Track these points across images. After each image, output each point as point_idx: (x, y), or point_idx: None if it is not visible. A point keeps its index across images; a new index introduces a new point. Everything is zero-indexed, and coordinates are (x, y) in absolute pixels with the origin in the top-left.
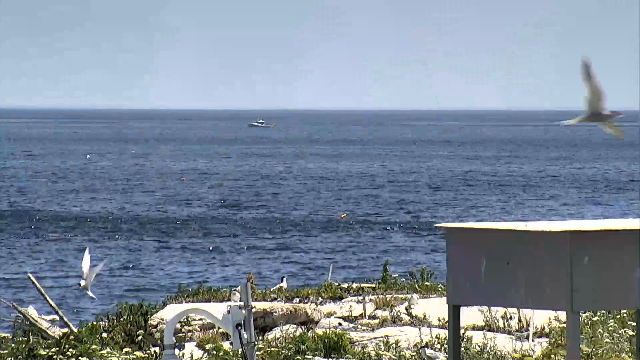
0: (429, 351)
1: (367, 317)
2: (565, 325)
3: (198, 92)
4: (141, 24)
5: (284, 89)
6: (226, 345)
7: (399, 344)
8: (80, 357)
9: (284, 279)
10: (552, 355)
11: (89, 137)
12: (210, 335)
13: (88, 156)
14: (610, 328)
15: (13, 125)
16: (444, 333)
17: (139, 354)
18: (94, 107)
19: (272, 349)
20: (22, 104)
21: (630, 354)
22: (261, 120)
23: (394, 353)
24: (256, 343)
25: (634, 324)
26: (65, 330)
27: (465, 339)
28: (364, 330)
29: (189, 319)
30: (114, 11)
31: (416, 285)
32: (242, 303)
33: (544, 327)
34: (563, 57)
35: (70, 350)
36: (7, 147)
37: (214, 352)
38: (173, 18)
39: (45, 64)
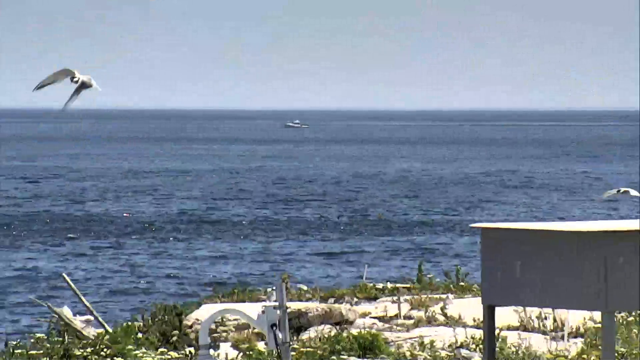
0: (464, 351)
1: (402, 317)
2: (600, 325)
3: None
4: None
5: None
6: (261, 345)
7: (434, 344)
8: (115, 358)
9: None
10: (587, 356)
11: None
12: (245, 336)
13: None
14: None
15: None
16: (479, 333)
17: (173, 354)
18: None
19: (307, 349)
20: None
21: None
22: (297, 121)
23: (429, 353)
24: (291, 343)
25: None
26: (100, 330)
27: (500, 339)
28: (398, 330)
29: (224, 320)
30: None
31: (451, 286)
32: (277, 303)
33: (579, 328)
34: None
35: (105, 350)
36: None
37: (249, 353)
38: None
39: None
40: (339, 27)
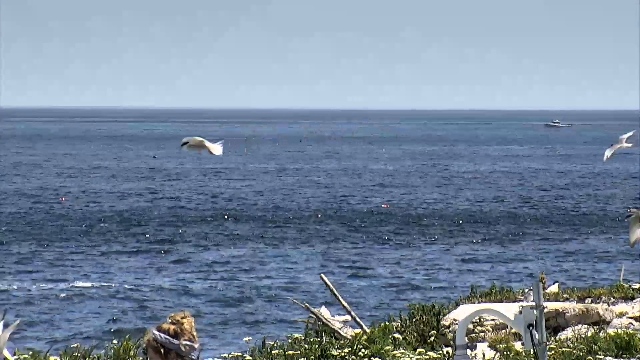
0: None
1: None
2: None
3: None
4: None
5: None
6: (518, 345)
7: None
8: (372, 358)
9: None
10: None
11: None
12: (502, 336)
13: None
14: None
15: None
16: None
17: (431, 354)
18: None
19: (564, 349)
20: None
21: None
22: (557, 120)
23: None
24: (548, 343)
25: None
26: (357, 330)
27: None
28: None
29: (481, 320)
30: None
31: None
32: (534, 303)
33: None
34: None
35: (362, 350)
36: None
37: (506, 353)
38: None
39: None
40: None
